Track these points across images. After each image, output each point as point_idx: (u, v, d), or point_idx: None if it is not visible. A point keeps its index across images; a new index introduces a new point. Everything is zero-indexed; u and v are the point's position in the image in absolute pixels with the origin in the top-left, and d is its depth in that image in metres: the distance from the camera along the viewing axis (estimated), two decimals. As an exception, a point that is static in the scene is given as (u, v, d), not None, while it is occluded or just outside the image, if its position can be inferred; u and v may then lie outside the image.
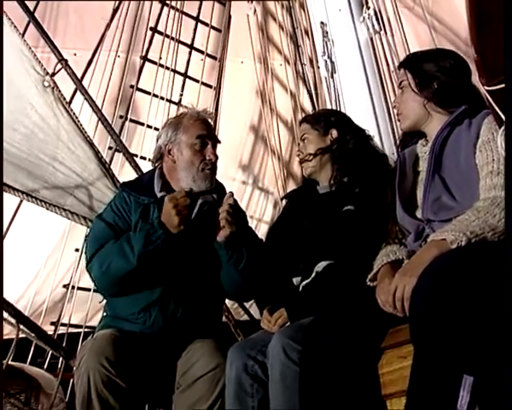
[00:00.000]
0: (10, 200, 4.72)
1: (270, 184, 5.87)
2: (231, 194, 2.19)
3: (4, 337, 4.49)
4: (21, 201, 4.62)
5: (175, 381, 2.09)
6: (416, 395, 1.38)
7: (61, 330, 4.77)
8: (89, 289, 4.77)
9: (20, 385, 2.93)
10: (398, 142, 2.12)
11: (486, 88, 1.16)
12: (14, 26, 2.71)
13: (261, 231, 2.44)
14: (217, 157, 2.33)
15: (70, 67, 2.99)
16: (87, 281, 4.83)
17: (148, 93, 5.36)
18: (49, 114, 2.70)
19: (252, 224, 2.58)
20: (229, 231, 2.12)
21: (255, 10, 5.93)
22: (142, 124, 5.32)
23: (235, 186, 5.54)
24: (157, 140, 2.43)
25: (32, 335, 2.53)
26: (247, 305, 4.19)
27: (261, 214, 5.87)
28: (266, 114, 5.79)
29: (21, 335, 2.63)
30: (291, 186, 5.26)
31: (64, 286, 5.01)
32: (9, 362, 2.49)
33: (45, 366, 4.13)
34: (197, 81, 5.61)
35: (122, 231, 2.22)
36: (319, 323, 1.73)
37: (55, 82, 2.74)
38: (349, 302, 1.75)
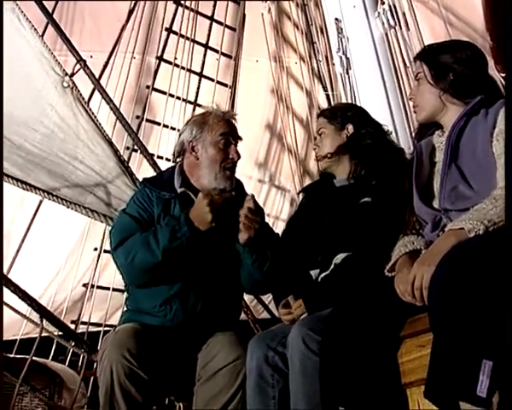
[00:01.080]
0: (30, 200, 4.80)
1: (287, 182, 5.88)
2: (252, 196, 2.20)
3: (26, 336, 4.59)
4: (41, 201, 4.70)
5: (196, 373, 2.11)
6: (435, 381, 1.39)
7: (81, 328, 4.83)
8: (108, 288, 4.83)
9: (44, 380, 2.98)
10: (414, 134, 2.12)
11: (502, 75, 1.17)
12: (35, 29, 2.76)
13: (278, 229, 2.46)
14: (239, 156, 2.36)
15: (88, 68, 3.04)
16: (106, 280, 4.89)
17: (164, 93, 5.40)
18: (69, 114, 2.75)
19: (269, 222, 2.59)
20: (247, 235, 2.14)
21: (269, 9, 5.94)
22: (159, 124, 5.36)
23: (251, 184, 5.56)
24: (179, 136, 2.46)
25: (55, 330, 2.56)
26: (265, 301, 4.21)
27: (278, 212, 5.88)
28: (282, 112, 5.81)
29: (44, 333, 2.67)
30: (307, 183, 5.26)
31: (84, 285, 5.06)
32: (33, 358, 2.54)
33: (66, 364, 4.19)
34: (212, 80, 5.63)
35: (147, 223, 2.25)
36: (338, 313, 1.74)
37: (74, 82, 2.79)
38: (368, 293, 1.76)
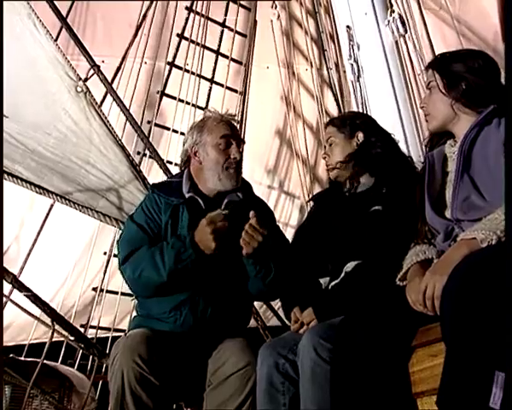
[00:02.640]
0: (39, 204, 4.83)
1: (296, 189, 5.88)
2: (254, 214, 2.17)
3: (36, 341, 4.61)
4: (51, 205, 4.72)
5: (206, 379, 2.12)
6: (447, 392, 1.39)
7: (91, 334, 4.84)
8: (117, 293, 4.85)
9: (54, 384, 2.99)
10: (425, 143, 2.11)
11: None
12: (50, 34, 2.79)
13: (287, 236, 2.48)
14: (241, 155, 2.37)
15: (102, 73, 3.06)
16: (116, 284, 4.91)
17: (175, 98, 5.43)
18: (82, 119, 2.77)
19: (279, 226, 2.60)
20: (246, 251, 2.14)
21: (279, 16, 5.96)
22: (169, 129, 5.38)
23: (260, 190, 5.56)
24: (183, 144, 2.49)
25: (66, 334, 2.57)
26: (275, 307, 4.21)
27: (287, 218, 5.89)
28: (291, 118, 5.82)
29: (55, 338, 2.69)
30: (317, 190, 5.26)
31: (93, 289, 5.08)
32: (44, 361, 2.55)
33: (75, 367, 4.21)
34: (223, 86, 5.66)
35: (154, 233, 2.27)
36: (350, 322, 1.74)
37: (87, 87, 2.81)
38: (379, 301, 1.76)
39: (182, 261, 2.14)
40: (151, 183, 2.76)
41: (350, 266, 2.06)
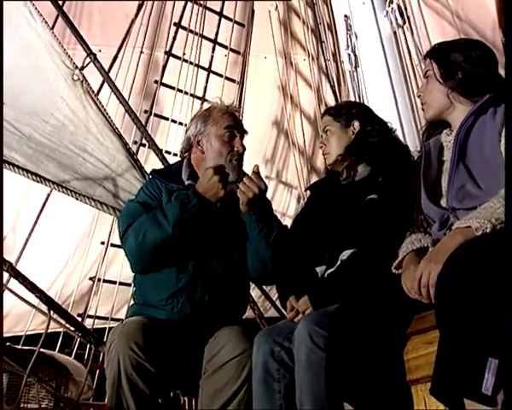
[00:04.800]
0: (35, 194, 4.83)
1: (294, 179, 5.89)
2: (257, 168, 2.23)
3: (33, 332, 4.62)
4: (48, 194, 4.72)
5: (202, 366, 2.12)
6: (440, 379, 1.40)
7: (88, 324, 4.85)
8: (115, 282, 4.86)
9: (51, 372, 3.00)
10: (422, 132, 2.12)
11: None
12: (46, 22, 2.78)
13: (285, 226, 2.50)
14: (244, 148, 2.38)
15: (98, 61, 3.06)
16: (113, 274, 4.92)
17: (172, 88, 5.42)
18: (79, 107, 2.77)
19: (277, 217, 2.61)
20: (244, 199, 2.17)
21: (277, 6, 5.94)
22: (167, 118, 5.37)
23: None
24: (186, 132, 2.50)
25: (63, 322, 2.58)
26: (273, 297, 4.22)
27: (285, 209, 5.90)
28: (289, 109, 5.81)
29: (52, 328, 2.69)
30: (314, 180, 5.27)
31: (90, 279, 5.09)
32: (41, 350, 2.56)
33: (73, 356, 4.22)
34: (221, 76, 5.64)
35: (154, 209, 2.27)
36: (345, 309, 1.75)
37: (83, 75, 2.81)
38: (374, 289, 1.77)
39: (187, 211, 2.16)
40: (148, 172, 2.76)
41: (346, 254, 2.07)
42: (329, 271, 2.10)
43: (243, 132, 2.43)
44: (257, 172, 2.20)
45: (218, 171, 2.21)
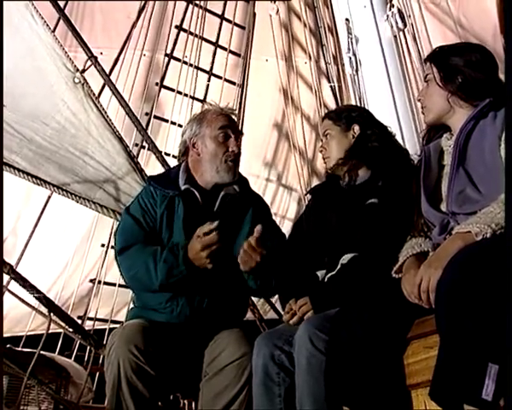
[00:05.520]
0: (35, 197, 4.83)
1: (294, 181, 5.89)
2: (258, 232, 2.10)
3: (33, 333, 4.62)
4: (49, 197, 4.73)
5: (202, 369, 2.12)
6: (440, 384, 1.40)
7: (88, 325, 4.86)
8: (114, 284, 4.86)
9: (51, 375, 3.00)
10: (422, 136, 2.12)
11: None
12: (47, 25, 2.79)
13: (285, 228, 2.49)
14: (239, 149, 2.38)
15: (100, 64, 3.06)
16: (113, 276, 4.92)
17: (173, 90, 5.42)
18: (80, 110, 2.78)
19: (275, 221, 2.62)
20: (243, 269, 2.13)
21: (278, 10, 5.95)
22: (167, 121, 5.38)
23: (258, 183, 5.58)
24: (182, 136, 2.50)
25: (63, 324, 2.58)
26: (273, 300, 4.22)
27: (285, 211, 5.90)
28: (290, 111, 5.82)
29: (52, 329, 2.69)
30: (315, 183, 5.27)
31: (91, 281, 5.09)
32: (41, 352, 2.56)
33: (72, 359, 4.22)
34: (221, 78, 5.65)
35: (149, 227, 2.29)
36: (346, 313, 1.75)
37: (85, 78, 2.82)
38: (375, 293, 1.77)
39: (173, 277, 2.15)
40: (148, 174, 2.76)
41: (346, 258, 2.06)
42: (330, 274, 2.10)
43: (238, 133, 2.43)
44: (258, 237, 2.09)
45: (206, 247, 2.12)
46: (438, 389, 1.40)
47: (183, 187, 2.33)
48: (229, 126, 2.40)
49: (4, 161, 2.60)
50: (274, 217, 2.65)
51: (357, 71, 4.26)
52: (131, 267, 2.22)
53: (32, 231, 4.90)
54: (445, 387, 1.38)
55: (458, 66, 1.88)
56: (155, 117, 5.41)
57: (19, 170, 2.64)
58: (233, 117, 2.50)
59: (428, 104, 1.95)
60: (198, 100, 5.42)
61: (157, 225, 2.29)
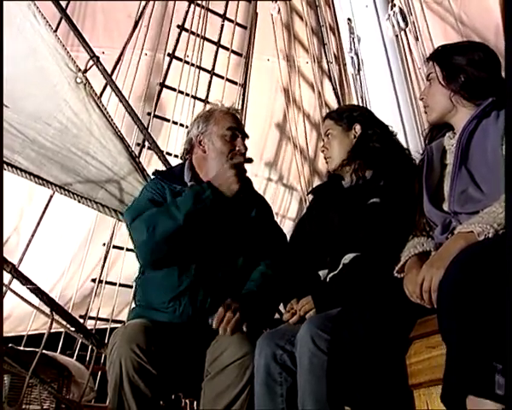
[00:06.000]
0: (38, 196, 4.84)
1: (295, 181, 5.89)
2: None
3: (35, 332, 4.63)
4: (51, 196, 4.73)
5: (204, 369, 2.12)
6: (451, 383, 1.39)
7: (89, 325, 4.86)
8: (116, 284, 4.87)
9: (53, 374, 3.00)
10: (424, 135, 2.12)
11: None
12: (49, 25, 2.79)
13: (286, 228, 2.49)
14: (246, 149, 2.38)
15: (101, 64, 3.07)
16: (115, 275, 4.93)
17: (174, 90, 5.43)
18: (82, 110, 2.78)
19: (276, 220, 2.63)
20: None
21: (279, 10, 5.95)
22: (168, 120, 5.38)
23: (259, 183, 5.58)
24: (187, 134, 2.51)
25: (64, 323, 2.59)
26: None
27: (285, 211, 5.90)
28: (292, 111, 5.82)
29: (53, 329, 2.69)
30: (316, 183, 5.28)
31: (92, 280, 5.10)
32: (43, 351, 2.56)
33: (74, 358, 4.22)
34: (222, 78, 5.65)
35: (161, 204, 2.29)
36: (348, 313, 1.75)
37: (87, 78, 2.82)
38: (377, 293, 1.77)
39: (201, 202, 2.17)
40: (150, 175, 2.77)
41: (348, 258, 2.06)
42: (331, 274, 2.10)
43: (244, 135, 2.44)
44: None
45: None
46: (449, 390, 1.39)
47: (189, 183, 2.34)
48: (236, 127, 2.41)
49: (7, 161, 2.61)
50: (275, 217, 2.65)
51: (359, 71, 4.26)
52: (150, 223, 2.17)
53: (35, 230, 4.90)
54: (455, 386, 1.37)
55: (461, 65, 1.88)
56: (157, 117, 5.41)
57: (21, 170, 2.65)
58: (239, 117, 2.51)
59: (431, 103, 1.95)
60: (200, 100, 5.43)
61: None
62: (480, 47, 1.94)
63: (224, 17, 5.84)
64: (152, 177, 2.52)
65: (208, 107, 2.57)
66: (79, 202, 2.77)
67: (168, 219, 2.16)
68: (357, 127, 2.30)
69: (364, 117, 2.35)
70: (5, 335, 4.64)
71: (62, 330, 3.73)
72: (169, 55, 5.58)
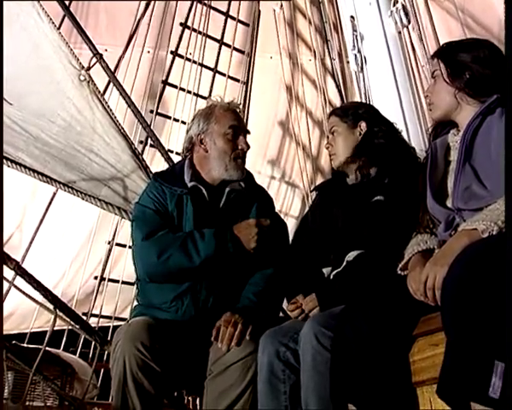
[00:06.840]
0: (41, 193, 4.85)
1: (298, 179, 5.89)
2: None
3: (39, 329, 4.65)
4: (54, 194, 4.74)
5: (207, 368, 2.11)
6: (447, 381, 1.39)
7: (92, 322, 4.87)
8: (119, 281, 4.87)
9: (56, 371, 3.01)
10: (429, 132, 2.11)
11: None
12: (53, 23, 2.79)
13: (288, 226, 2.49)
14: (248, 147, 2.37)
15: (105, 61, 3.07)
16: (118, 273, 4.93)
17: (177, 87, 5.43)
18: (85, 107, 2.78)
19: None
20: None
21: (281, 5, 5.94)
22: (170, 117, 5.38)
23: (262, 180, 5.58)
24: (187, 132, 2.48)
25: (68, 320, 2.59)
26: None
27: (288, 208, 5.90)
28: (294, 109, 5.81)
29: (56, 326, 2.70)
30: (319, 180, 5.28)
31: (95, 278, 5.10)
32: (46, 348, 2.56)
33: (77, 355, 4.23)
34: (225, 75, 5.65)
35: (165, 218, 2.27)
36: (351, 310, 1.75)
37: (90, 76, 2.82)
38: (380, 290, 1.77)
39: (221, 252, 2.16)
40: (153, 171, 2.76)
41: (351, 255, 2.06)
42: (335, 271, 2.10)
43: (246, 131, 2.43)
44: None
45: (258, 224, 2.21)
46: (445, 387, 1.40)
47: (189, 184, 2.32)
48: (238, 125, 2.39)
49: (11, 158, 2.61)
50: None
51: (362, 68, 4.26)
52: (164, 252, 2.15)
53: (38, 228, 4.91)
54: (451, 385, 1.38)
55: (466, 62, 1.87)
56: (159, 114, 5.41)
57: (25, 167, 2.65)
58: (239, 112, 2.49)
59: (436, 100, 1.94)
60: (202, 97, 5.42)
61: (169, 218, 2.27)
62: (485, 44, 1.93)
63: (226, 15, 5.83)
64: (152, 179, 2.50)
65: (208, 103, 2.52)
66: (83, 199, 2.77)
67: (184, 256, 2.15)
68: (363, 124, 2.29)
69: (370, 114, 2.35)
70: (9, 332, 4.66)
71: (65, 327, 3.74)
72: (172, 52, 5.58)
